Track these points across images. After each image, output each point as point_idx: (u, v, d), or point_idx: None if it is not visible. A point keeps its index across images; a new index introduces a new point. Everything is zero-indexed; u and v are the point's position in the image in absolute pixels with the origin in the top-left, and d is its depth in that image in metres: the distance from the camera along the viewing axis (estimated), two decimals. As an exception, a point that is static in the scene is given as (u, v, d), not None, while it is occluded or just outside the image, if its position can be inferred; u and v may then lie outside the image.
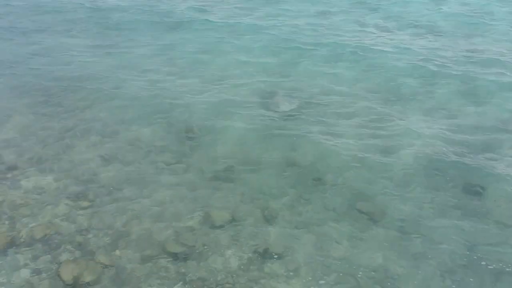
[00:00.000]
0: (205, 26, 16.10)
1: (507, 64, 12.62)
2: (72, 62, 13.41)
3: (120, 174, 8.71)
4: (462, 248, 6.98)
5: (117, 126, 10.19)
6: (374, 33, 15.16)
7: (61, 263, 6.77)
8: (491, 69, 12.33)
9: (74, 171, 8.77)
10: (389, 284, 6.46)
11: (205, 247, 7.09)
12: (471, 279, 6.49)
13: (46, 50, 14.22)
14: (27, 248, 7.07)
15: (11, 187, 8.38)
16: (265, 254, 6.95)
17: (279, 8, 17.79)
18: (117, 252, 6.99)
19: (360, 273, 6.63)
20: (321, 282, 6.49)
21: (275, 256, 6.91)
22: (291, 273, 6.64)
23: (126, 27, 16.14)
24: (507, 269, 6.62)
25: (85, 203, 7.97)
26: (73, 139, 9.77)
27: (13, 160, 9.13)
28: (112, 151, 9.37)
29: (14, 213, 7.77)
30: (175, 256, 6.93)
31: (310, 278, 6.55)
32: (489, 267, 6.66)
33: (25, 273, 6.69)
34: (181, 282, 6.52)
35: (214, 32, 15.53)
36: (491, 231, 7.28)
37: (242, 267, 6.75)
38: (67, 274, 6.56)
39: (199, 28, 15.97)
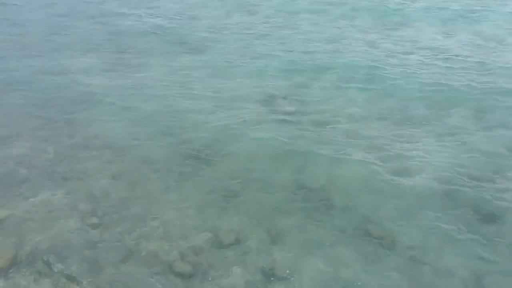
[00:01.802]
0: (217, 50, 16.30)
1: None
2: (85, 82, 13.60)
3: (129, 192, 8.77)
4: (472, 277, 6.91)
5: (127, 145, 10.28)
6: (386, 56, 15.25)
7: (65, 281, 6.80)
8: (503, 95, 12.34)
9: (84, 188, 8.84)
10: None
11: (212, 266, 7.08)
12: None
13: (59, 70, 14.44)
14: (34, 263, 7.10)
15: (21, 202, 8.44)
16: (271, 275, 6.92)
17: (292, 32, 17.97)
18: (126, 269, 7.00)
19: (367, 297, 6.59)
20: (328, 305, 6.46)
21: (281, 277, 6.88)
22: (297, 295, 6.61)
23: (139, 49, 16.37)
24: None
25: (93, 220, 8.02)
26: (83, 157, 9.86)
27: (23, 175, 9.23)
28: (121, 169, 9.45)
29: (22, 228, 7.82)
30: (181, 276, 6.93)
31: (316, 301, 6.52)
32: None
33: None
34: (187, 301, 6.51)
35: (226, 55, 15.71)
36: (503, 260, 7.20)
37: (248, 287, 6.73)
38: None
39: (211, 51, 16.16)
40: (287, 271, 7.00)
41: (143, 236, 7.65)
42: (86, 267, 7.03)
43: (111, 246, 7.43)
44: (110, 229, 7.80)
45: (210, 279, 6.86)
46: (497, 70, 14.11)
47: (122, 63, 14.99)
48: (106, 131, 10.84)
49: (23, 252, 7.33)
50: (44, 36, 17.69)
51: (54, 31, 18.40)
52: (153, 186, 8.94)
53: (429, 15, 19.76)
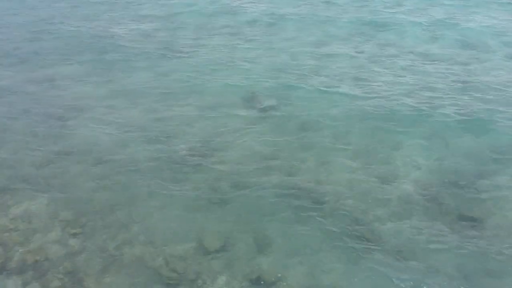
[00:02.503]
0: (202, 54, 16.23)
1: (503, 93, 12.70)
2: (69, 88, 13.45)
3: (113, 198, 8.63)
4: (458, 276, 6.90)
5: (111, 150, 10.14)
6: (370, 61, 15.29)
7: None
8: (487, 98, 12.40)
9: (67, 196, 8.70)
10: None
11: (197, 274, 6.97)
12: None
13: (44, 76, 14.27)
14: (17, 274, 6.96)
15: (2, 212, 8.28)
16: (258, 282, 6.83)
17: (277, 36, 17.97)
18: (108, 279, 6.87)
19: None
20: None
21: (269, 283, 6.80)
22: (284, 302, 6.54)
23: (124, 54, 16.24)
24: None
25: (76, 229, 7.87)
26: (66, 164, 9.70)
27: (4, 183, 9.07)
28: (105, 175, 9.30)
29: (4, 238, 7.65)
30: (166, 284, 6.81)
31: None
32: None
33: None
34: (172, 310, 6.40)
35: (211, 59, 15.64)
36: (488, 259, 7.20)
37: (234, 295, 6.65)
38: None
39: (196, 55, 16.09)
40: (275, 277, 6.91)
41: (127, 243, 7.52)
42: (69, 279, 6.88)
43: (93, 256, 7.29)
44: (93, 237, 7.66)
45: (195, 287, 6.75)
46: (481, 72, 14.19)
47: (107, 69, 14.85)
48: (90, 138, 10.68)
49: (6, 264, 7.17)
50: (27, 43, 17.51)
51: (37, 37, 18.23)
52: (138, 192, 8.81)
53: (413, 20, 19.88)
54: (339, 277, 6.89)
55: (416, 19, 19.99)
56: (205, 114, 11.71)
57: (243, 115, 11.65)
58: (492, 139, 10.51)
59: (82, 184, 9.03)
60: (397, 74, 14.15)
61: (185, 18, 20.64)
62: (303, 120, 11.35)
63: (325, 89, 13.15)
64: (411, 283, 6.81)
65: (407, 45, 16.80)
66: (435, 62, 15.16)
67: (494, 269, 7.03)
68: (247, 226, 7.92)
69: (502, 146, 10.24)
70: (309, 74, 14.18)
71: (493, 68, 14.47)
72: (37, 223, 8.00)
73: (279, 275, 6.93)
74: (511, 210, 8.23)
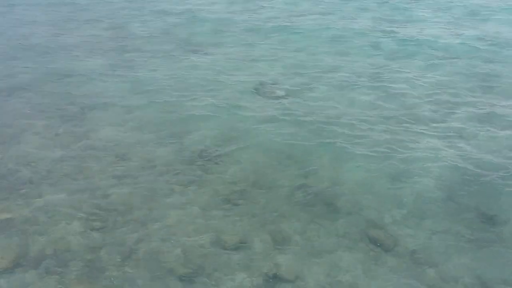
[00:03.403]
0: (221, 51, 16.31)
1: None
2: (89, 83, 13.63)
3: (133, 194, 8.74)
4: (476, 282, 6.83)
5: (130, 148, 10.26)
6: (388, 58, 15.22)
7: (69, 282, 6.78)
8: (508, 96, 12.28)
9: (87, 191, 8.82)
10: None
11: (214, 269, 7.04)
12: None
13: (63, 72, 14.47)
14: (37, 265, 7.08)
15: (24, 203, 8.43)
16: (275, 279, 6.87)
17: (296, 33, 17.98)
18: (127, 271, 6.96)
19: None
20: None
21: (286, 281, 6.83)
22: (301, 300, 6.57)
23: (144, 50, 16.40)
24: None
25: (96, 223, 7.99)
26: (87, 159, 9.85)
27: (27, 176, 9.23)
28: (125, 172, 9.42)
29: (25, 229, 7.81)
30: (183, 278, 6.89)
31: (320, 305, 6.47)
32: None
33: (34, 290, 6.70)
34: (189, 305, 6.48)
35: (230, 56, 15.72)
36: (508, 263, 7.12)
37: (251, 291, 6.70)
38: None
39: (215, 52, 16.18)
40: (292, 275, 6.94)
41: (146, 238, 7.61)
42: (88, 270, 6.99)
43: (113, 249, 7.38)
44: (112, 232, 7.76)
45: (213, 283, 6.81)
46: (502, 69, 14.04)
47: (127, 65, 15.02)
48: (110, 134, 10.82)
49: (27, 254, 7.30)
50: (49, 38, 17.78)
51: (59, 32, 18.50)
52: (157, 189, 8.90)
53: (433, 16, 19.73)
54: (356, 278, 6.89)
55: (436, 15, 19.88)
56: (222, 112, 11.79)
57: (259, 114, 11.69)
58: (512, 136, 10.40)
59: (102, 180, 9.14)
60: (416, 71, 14.10)
61: (204, 15, 20.76)
62: (320, 119, 11.36)
63: (342, 87, 13.15)
64: (427, 286, 6.77)
65: (426, 42, 16.69)
66: (456, 59, 15.06)
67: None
68: (264, 224, 7.96)
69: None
70: (326, 72, 14.20)
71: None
72: (57, 215, 8.13)
73: (296, 273, 6.96)
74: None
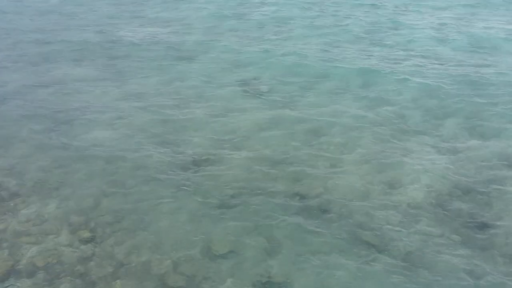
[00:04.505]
0: (210, 58, 16.32)
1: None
2: (78, 92, 13.55)
3: (122, 202, 8.68)
4: (467, 283, 6.86)
5: (120, 155, 10.20)
6: (379, 65, 15.31)
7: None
8: (498, 103, 12.38)
9: (76, 200, 8.76)
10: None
11: (205, 278, 6.99)
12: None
13: (52, 80, 14.40)
14: (28, 277, 7.01)
15: (13, 215, 8.35)
16: (266, 286, 6.85)
17: (285, 39, 18.04)
18: (118, 283, 6.90)
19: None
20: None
21: (278, 287, 6.81)
22: (293, 306, 6.55)
23: (132, 58, 16.37)
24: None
25: (86, 233, 7.92)
26: (76, 168, 9.77)
27: (15, 187, 9.14)
28: (114, 180, 9.37)
29: (15, 241, 7.73)
30: (175, 288, 6.86)
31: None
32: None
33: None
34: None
35: (219, 63, 15.73)
36: (497, 266, 7.17)
37: (243, 299, 6.67)
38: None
39: (204, 59, 16.18)
40: (284, 281, 6.91)
41: (136, 247, 7.56)
42: (80, 282, 6.93)
43: (103, 260, 7.32)
44: (102, 241, 7.71)
45: (204, 291, 6.79)
46: (492, 76, 14.16)
47: (115, 73, 14.97)
48: (99, 141, 10.76)
49: (18, 266, 7.23)
50: (36, 46, 17.67)
51: (47, 40, 18.39)
52: (146, 197, 8.85)
53: (423, 22, 19.91)
54: (347, 282, 6.89)
55: (425, 21, 20.05)
56: (213, 118, 11.78)
57: (251, 119, 11.70)
58: (502, 144, 10.48)
59: (92, 188, 9.08)
60: (407, 78, 14.17)
61: (194, 21, 20.78)
62: (312, 125, 11.39)
63: (334, 93, 13.20)
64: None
65: (416, 48, 16.82)
66: (445, 65, 15.17)
67: (504, 279, 6.97)
68: (255, 231, 7.93)
69: (512, 152, 10.21)
70: (318, 78, 14.23)
71: (505, 72, 14.45)
72: (48, 226, 8.06)
73: (288, 279, 6.94)
74: (522, 217, 8.18)
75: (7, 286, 6.86)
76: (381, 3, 23.59)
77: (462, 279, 6.93)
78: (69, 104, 12.68)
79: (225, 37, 18.59)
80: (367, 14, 21.61)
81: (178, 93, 13.38)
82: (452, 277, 6.96)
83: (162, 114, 12.08)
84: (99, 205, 8.61)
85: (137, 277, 7.00)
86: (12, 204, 8.66)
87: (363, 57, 16.11)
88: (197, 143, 10.64)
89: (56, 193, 8.97)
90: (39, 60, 16.18)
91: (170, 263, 7.24)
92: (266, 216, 8.28)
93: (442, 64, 15.27)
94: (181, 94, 13.31)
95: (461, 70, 14.67)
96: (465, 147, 10.45)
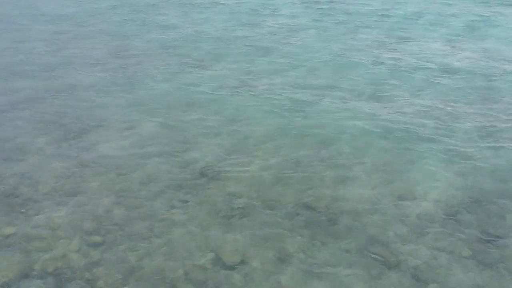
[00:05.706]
0: (222, 65, 16.40)
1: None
2: (89, 99, 13.68)
3: (133, 210, 8.74)
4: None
5: (132, 163, 10.28)
6: (389, 74, 15.29)
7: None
8: (508, 113, 12.31)
9: (88, 207, 8.82)
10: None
11: (216, 287, 7.00)
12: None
13: (65, 87, 14.55)
14: (39, 281, 7.06)
15: (25, 220, 8.43)
16: (276, 297, 6.86)
17: (296, 48, 18.08)
18: (127, 289, 6.95)
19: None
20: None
21: (287, 299, 6.82)
22: (302, 318, 6.54)
23: (144, 65, 16.50)
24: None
25: (97, 239, 7.98)
26: (87, 175, 9.86)
27: (28, 194, 9.23)
28: (126, 188, 9.43)
29: (27, 246, 7.80)
30: (185, 296, 6.87)
31: (322, 324, 6.44)
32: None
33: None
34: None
35: (231, 71, 15.81)
36: (510, 283, 7.09)
37: (253, 309, 6.66)
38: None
39: (216, 67, 16.27)
40: (293, 293, 6.92)
41: (146, 255, 7.59)
42: (89, 285, 6.97)
43: (113, 266, 7.36)
44: (113, 248, 7.74)
45: (214, 300, 6.79)
46: (503, 87, 14.09)
47: (127, 81, 15.10)
48: (111, 150, 10.85)
49: (29, 271, 7.28)
50: (48, 54, 17.87)
51: (59, 47, 18.59)
52: (157, 205, 8.90)
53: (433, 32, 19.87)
54: (357, 294, 6.88)
55: (436, 31, 20.02)
56: (223, 128, 11.83)
57: (261, 129, 11.74)
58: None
59: (103, 196, 9.15)
60: (417, 88, 14.15)
61: (206, 30, 20.90)
62: (322, 135, 11.39)
63: (343, 103, 13.20)
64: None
65: (427, 57, 16.78)
66: (456, 75, 15.11)
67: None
68: (265, 241, 7.93)
69: (525, 164, 10.14)
70: (327, 88, 14.25)
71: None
72: (59, 232, 8.13)
73: (298, 290, 6.94)
74: (535, 232, 8.12)
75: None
76: (393, 13, 23.61)
77: (473, 294, 6.88)
78: (81, 113, 12.79)
79: (237, 45, 18.68)
80: (378, 23, 21.63)
81: (187, 101, 13.45)
82: (463, 292, 6.91)
83: (171, 122, 12.15)
84: (110, 213, 8.67)
85: (148, 283, 7.02)
86: (24, 210, 8.75)
87: (374, 65, 16.13)
88: (207, 153, 10.68)
89: (68, 200, 9.04)
90: (51, 68, 16.36)
91: (180, 272, 7.26)
92: (276, 227, 8.28)
93: (452, 74, 15.23)
94: (190, 102, 13.38)
95: (473, 79, 14.62)
96: (477, 157, 10.37)
